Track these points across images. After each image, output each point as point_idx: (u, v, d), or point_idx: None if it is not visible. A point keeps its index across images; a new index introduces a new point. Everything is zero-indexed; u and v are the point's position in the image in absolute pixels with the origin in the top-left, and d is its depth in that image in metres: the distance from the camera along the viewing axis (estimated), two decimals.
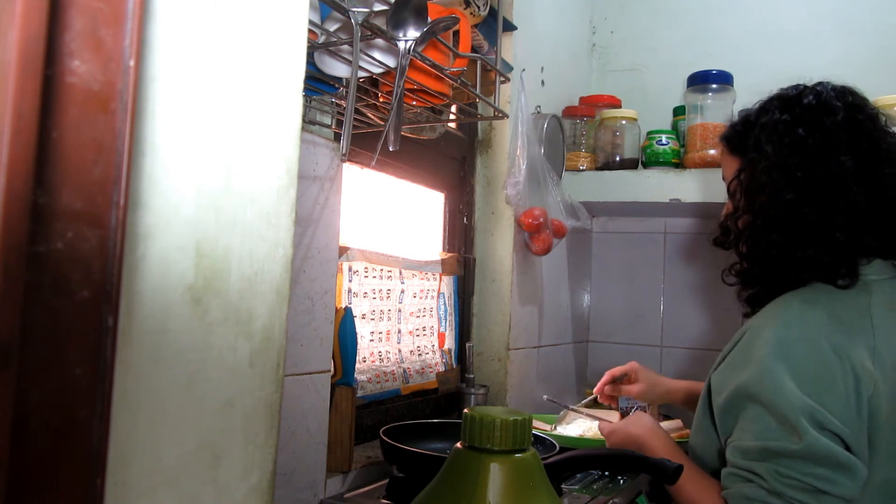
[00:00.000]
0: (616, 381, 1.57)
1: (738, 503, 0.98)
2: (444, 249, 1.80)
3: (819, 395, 0.96)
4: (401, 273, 1.57)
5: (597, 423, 1.63)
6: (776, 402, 0.96)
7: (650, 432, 1.18)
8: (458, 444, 0.57)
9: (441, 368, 1.71)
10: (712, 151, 1.99)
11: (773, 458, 0.96)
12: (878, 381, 0.97)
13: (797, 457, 0.94)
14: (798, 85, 1.16)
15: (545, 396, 1.69)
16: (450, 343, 1.77)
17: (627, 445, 1.22)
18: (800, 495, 0.94)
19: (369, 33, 0.90)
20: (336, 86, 1.03)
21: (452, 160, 1.80)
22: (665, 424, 1.53)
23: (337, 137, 1.22)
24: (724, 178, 1.23)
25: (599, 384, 1.57)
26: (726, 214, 1.18)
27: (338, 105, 1.16)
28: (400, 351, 1.58)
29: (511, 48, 1.79)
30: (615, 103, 2.24)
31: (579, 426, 1.63)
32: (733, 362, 1.06)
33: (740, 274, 1.17)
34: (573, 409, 1.63)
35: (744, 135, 1.17)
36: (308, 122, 1.16)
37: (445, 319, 1.75)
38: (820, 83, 1.14)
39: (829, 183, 1.05)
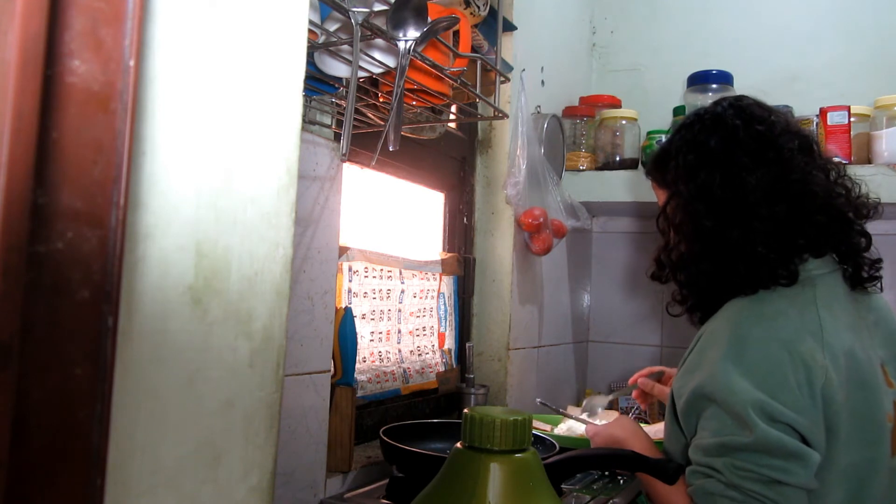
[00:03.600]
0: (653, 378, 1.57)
1: (701, 498, 1.02)
2: (444, 249, 1.80)
3: (771, 390, 0.99)
4: (401, 273, 1.57)
5: (598, 422, 1.63)
6: (728, 399, 1.00)
7: (631, 434, 1.21)
8: (458, 444, 0.57)
9: (441, 368, 1.71)
10: None
11: (728, 453, 0.99)
12: (829, 370, 1.01)
13: (750, 449, 0.98)
14: (699, 110, 1.21)
15: (538, 400, 1.69)
16: (450, 343, 1.77)
17: (609, 446, 1.25)
18: (756, 486, 0.97)
19: (369, 33, 0.90)
20: (336, 86, 1.03)
21: (452, 160, 1.80)
22: (660, 426, 1.52)
23: (337, 137, 1.22)
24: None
25: (637, 374, 1.56)
26: (659, 248, 1.22)
27: (338, 105, 1.16)
28: (400, 351, 1.58)
29: (511, 48, 1.79)
30: (615, 103, 2.24)
31: (579, 426, 1.62)
32: (690, 366, 1.09)
33: (682, 302, 1.21)
34: (563, 414, 1.63)
35: (663, 168, 1.22)
36: (308, 122, 1.16)
37: (445, 319, 1.75)
38: (718, 102, 1.20)
39: (742, 204, 1.09)
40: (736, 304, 1.10)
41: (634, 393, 1.56)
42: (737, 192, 1.09)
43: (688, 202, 1.14)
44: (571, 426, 1.64)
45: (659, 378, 1.54)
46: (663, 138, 2.06)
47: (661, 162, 1.22)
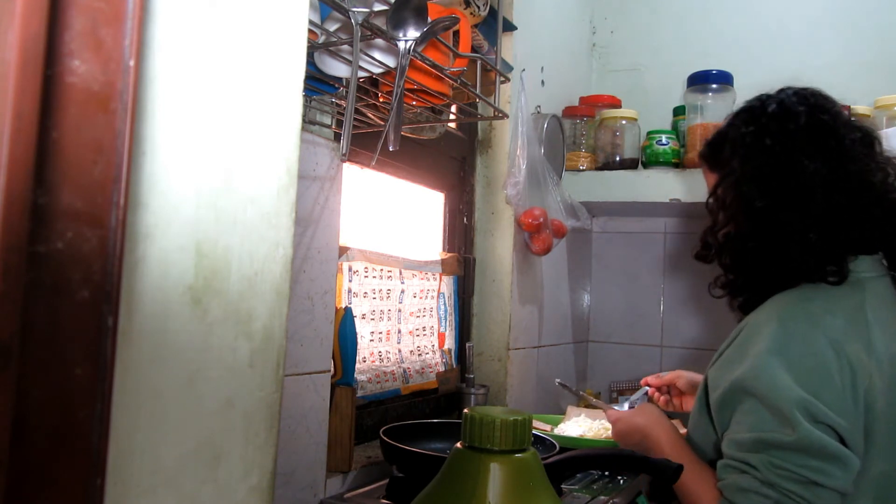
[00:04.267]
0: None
1: (732, 493, 1.00)
2: (444, 249, 1.80)
3: (815, 389, 0.97)
4: (401, 273, 1.57)
5: (597, 422, 1.63)
6: (770, 395, 0.98)
7: (655, 422, 1.19)
8: (458, 444, 0.57)
9: (441, 368, 1.71)
10: None
11: (766, 450, 0.98)
12: (873, 375, 0.99)
13: (790, 448, 0.96)
14: (762, 95, 1.19)
15: (557, 381, 1.68)
16: (450, 343, 1.77)
17: (631, 435, 1.23)
18: (793, 486, 0.96)
19: (369, 33, 0.90)
20: (336, 86, 1.03)
21: (452, 160, 1.80)
22: None
23: (337, 137, 1.22)
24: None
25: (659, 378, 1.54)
26: (705, 229, 1.21)
27: (338, 105, 1.16)
28: (400, 351, 1.58)
29: (511, 48, 1.79)
30: (615, 103, 2.24)
31: (579, 426, 1.62)
32: (730, 358, 1.07)
33: (726, 285, 1.19)
34: (582, 396, 1.63)
35: (717, 150, 1.20)
36: (308, 122, 1.16)
37: (445, 319, 1.75)
38: (783, 90, 1.17)
39: (798, 188, 1.07)
40: (782, 299, 1.08)
41: (651, 391, 1.55)
42: (794, 176, 1.07)
43: (741, 182, 1.12)
44: (582, 422, 1.63)
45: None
46: (663, 138, 2.06)
47: (716, 144, 1.20)
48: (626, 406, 1.62)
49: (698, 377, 1.46)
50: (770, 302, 1.09)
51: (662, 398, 1.54)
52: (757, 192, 1.09)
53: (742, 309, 1.18)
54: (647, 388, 1.59)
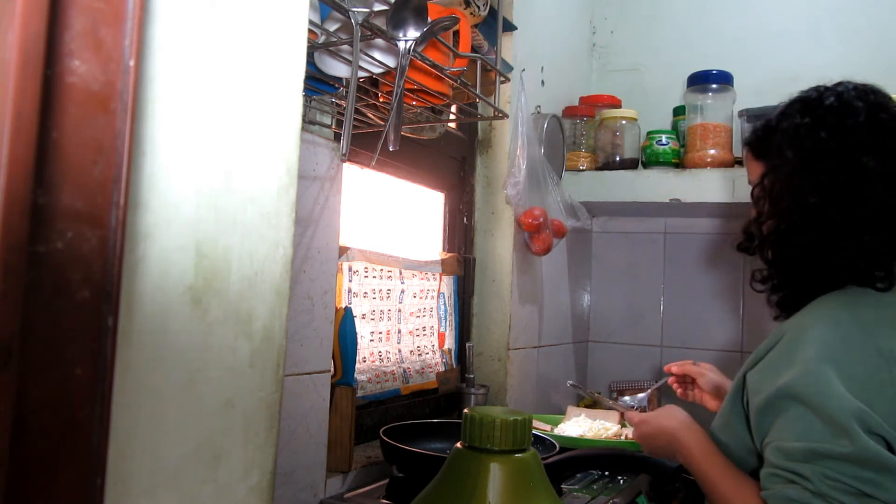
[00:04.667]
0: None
1: None
2: (444, 249, 1.80)
3: (868, 399, 0.94)
4: (401, 273, 1.57)
5: (597, 422, 1.63)
6: (824, 403, 0.94)
7: (683, 426, 1.15)
8: (458, 444, 0.57)
9: (441, 368, 1.71)
10: (712, 151, 1.99)
11: (819, 460, 0.94)
12: None
13: (846, 460, 0.92)
14: (819, 87, 1.14)
15: (570, 382, 1.68)
16: (450, 343, 1.77)
17: (656, 438, 1.19)
18: (846, 498, 0.92)
19: (369, 33, 0.90)
20: (336, 86, 1.03)
21: (452, 160, 1.80)
22: None
23: (337, 137, 1.22)
24: (749, 183, 1.22)
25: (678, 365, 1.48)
26: (750, 219, 1.17)
27: (338, 105, 1.16)
28: (400, 351, 1.58)
29: (511, 48, 1.79)
30: (615, 103, 2.24)
31: (579, 426, 1.63)
32: (773, 363, 1.03)
33: (767, 279, 1.15)
34: (596, 397, 1.61)
35: (766, 139, 1.16)
36: (308, 122, 1.16)
37: (445, 319, 1.75)
38: (841, 83, 1.13)
39: (852, 185, 1.04)
40: (829, 303, 1.04)
41: (671, 379, 1.49)
42: (848, 173, 1.04)
43: (793, 174, 1.07)
44: (582, 422, 1.63)
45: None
46: (663, 138, 2.06)
47: (766, 132, 1.16)
48: (639, 396, 1.60)
49: (723, 381, 1.42)
50: (816, 305, 1.06)
51: (680, 389, 1.49)
52: (808, 186, 1.05)
53: (780, 306, 1.14)
54: (664, 379, 1.54)
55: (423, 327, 1.67)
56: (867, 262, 1.04)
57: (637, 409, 1.60)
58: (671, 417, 1.18)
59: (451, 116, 1.43)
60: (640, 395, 1.66)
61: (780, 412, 0.99)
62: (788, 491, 0.95)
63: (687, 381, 1.48)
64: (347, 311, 1.26)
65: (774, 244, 1.11)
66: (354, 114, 1.08)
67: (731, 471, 1.07)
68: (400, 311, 1.58)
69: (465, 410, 0.56)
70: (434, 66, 1.01)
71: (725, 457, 1.09)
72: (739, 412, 1.09)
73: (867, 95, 1.09)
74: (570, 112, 2.16)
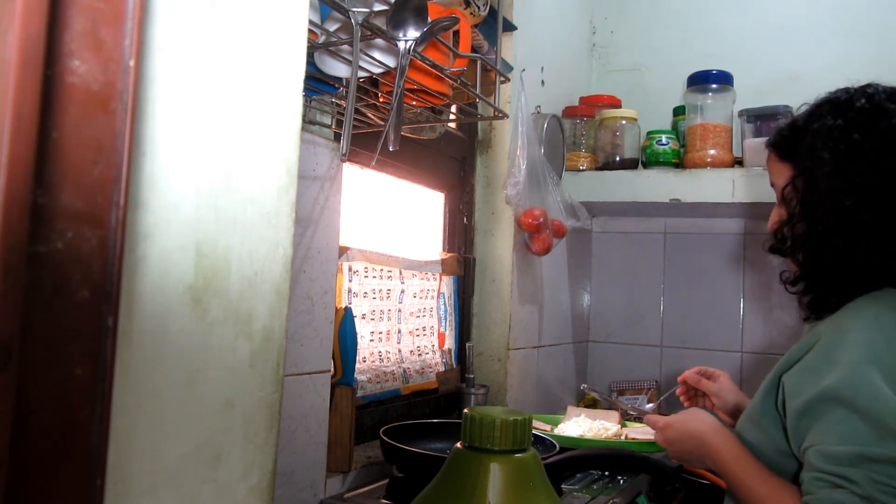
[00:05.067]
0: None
1: None
2: (444, 249, 1.80)
3: None
4: (401, 273, 1.57)
5: (597, 422, 1.63)
6: (872, 406, 0.94)
7: (713, 429, 1.13)
8: (458, 444, 0.57)
9: (441, 368, 1.71)
10: (712, 151, 1.99)
11: (866, 464, 0.93)
12: None
13: (895, 463, 0.92)
14: (847, 89, 1.14)
15: (583, 386, 1.68)
16: (450, 343, 1.77)
17: (683, 442, 1.17)
18: (893, 502, 0.91)
19: (369, 33, 0.90)
20: (336, 86, 1.03)
21: (452, 160, 1.80)
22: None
23: (337, 137, 1.22)
24: (772, 185, 1.21)
25: (687, 372, 1.46)
26: (780, 221, 1.16)
27: (338, 105, 1.16)
28: (400, 351, 1.58)
29: (511, 48, 1.79)
30: (615, 103, 2.24)
31: (579, 426, 1.63)
32: (813, 365, 1.02)
33: (797, 280, 1.15)
34: (612, 401, 1.62)
35: (793, 141, 1.15)
36: (308, 122, 1.16)
37: (445, 319, 1.75)
38: (870, 85, 1.13)
39: (887, 187, 1.04)
40: (870, 305, 1.04)
41: (679, 390, 1.48)
42: (882, 175, 1.04)
43: (830, 175, 1.07)
44: (582, 422, 1.63)
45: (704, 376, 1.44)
46: (663, 138, 2.06)
47: (793, 133, 1.16)
48: (647, 405, 1.58)
49: (740, 401, 1.39)
50: (855, 306, 1.05)
51: (688, 403, 1.46)
52: (844, 188, 1.05)
53: (811, 307, 1.13)
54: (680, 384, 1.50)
55: (423, 327, 1.67)
56: None
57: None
58: (698, 420, 1.17)
59: (451, 116, 1.43)
60: (649, 406, 1.64)
61: (821, 415, 0.98)
62: (836, 495, 0.93)
63: (698, 393, 1.46)
64: (347, 311, 1.26)
65: (808, 246, 1.11)
66: (354, 114, 1.08)
67: (768, 475, 1.05)
68: (400, 311, 1.58)
69: (465, 410, 0.56)
70: (434, 66, 1.01)
71: (759, 460, 1.08)
72: (772, 414, 1.08)
73: None
74: (570, 112, 2.16)
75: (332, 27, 0.94)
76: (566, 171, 2.11)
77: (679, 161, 2.06)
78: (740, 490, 1.06)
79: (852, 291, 1.07)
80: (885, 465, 0.92)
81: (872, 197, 1.04)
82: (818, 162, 1.09)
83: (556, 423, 1.68)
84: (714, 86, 2.03)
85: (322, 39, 0.95)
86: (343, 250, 1.32)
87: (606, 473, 1.41)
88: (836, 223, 1.06)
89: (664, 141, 2.05)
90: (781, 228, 1.15)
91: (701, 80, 2.05)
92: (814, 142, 1.10)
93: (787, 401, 1.04)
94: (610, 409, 1.64)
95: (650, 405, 1.70)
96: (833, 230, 1.06)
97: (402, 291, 1.58)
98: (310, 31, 0.68)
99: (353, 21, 0.85)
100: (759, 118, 1.99)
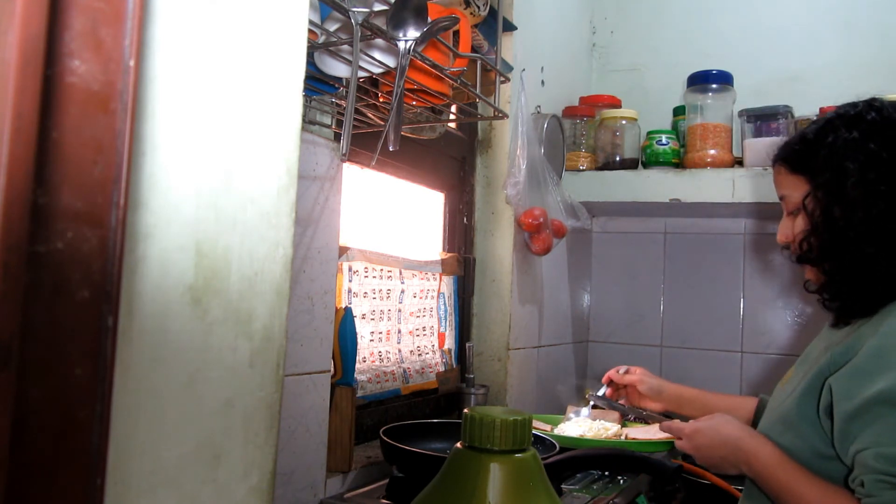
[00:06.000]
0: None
1: None
2: (444, 249, 1.80)
3: None
4: (401, 273, 1.57)
5: (597, 422, 1.63)
6: None
7: (747, 433, 1.14)
8: (458, 444, 0.57)
9: (441, 368, 1.71)
10: (712, 151, 1.99)
11: None
12: None
13: None
14: (854, 103, 1.18)
15: (589, 393, 1.69)
16: (450, 343, 1.77)
17: (717, 448, 1.17)
18: None
19: (369, 33, 0.90)
20: (336, 86, 1.03)
21: (452, 160, 1.80)
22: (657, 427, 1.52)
23: (337, 137, 1.22)
24: (781, 198, 1.23)
25: (609, 372, 1.63)
26: (804, 231, 1.17)
27: (338, 105, 1.16)
28: (400, 351, 1.58)
29: (511, 48, 1.79)
30: (615, 103, 2.24)
31: (579, 426, 1.63)
32: (864, 368, 1.03)
33: (825, 288, 1.16)
34: (624, 409, 1.64)
35: (806, 154, 1.18)
36: (308, 122, 1.16)
37: (445, 319, 1.75)
38: (875, 99, 1.17)
39: None
40: None
41: (608, 391, 1.62)
42: None
43: (854, 186, 1.09)
44: (582, 422, 1.63)
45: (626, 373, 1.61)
46: (663, 138, 2.06)
47: (805, 146, 1.18)
48: (584, 412, 1.66)
49: (660, 383, 1.56)
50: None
51: (620, 398, 1.63)
52: (871, 196, 1.08)
53: (840, 313, 1.15)
54: (604, 388, 1.66)
55: (423, 327, 1.67)
56: None
57: (637, 412, 1.62)
58: (730, 424, 1.17)
59: (451, 116, 1.43)
60: (584, 409, 1.69)
61: (878, 418, 0.99)
62: None
63: (619, 388, 1.63)
64: (347, 311, 1.26)
65: (836, 254, 1.12)
66: (354, 114, 1.08)
67: (814, 478, 1.06)
68: (400, 311, 1.58)
69: (465, 410, 0.56)
70: (434, 66, 1.01)
71: (800, 464, 1.08)
72: (811, 417, 1.08)
73: None
74: (570, 112, 2.16)
75: (332, 27, 0.94)
76: (566, 171, 2.11)
77: (679, 161, 2.06)
78: (783, 493, 1.07)
79: (882, 295, 1.09)
80: None
81: (894, 204, 1.07)
82: (842, 173, 1.11)
83: (556, 423, 1.68)
84: (714, 86, 2.03)
85: (322, 39, 0.95)
86: (343, 250, 1.32)
87: (606, 473, 1.41)
88: (867, 231, 1.08)
89: (664, 141, 2.05)
90: (807, 239, 1.16)
91: (701, 80, 2.05)
92: (832, 154, 1.13)
93: (835, 404, 1.04)
94: (620, 413, 1.66)
95: (585, 409, 1.73)
96: (864, 237, 1.09)
97: (402, 291, 1.58)
98: (310, 31, 0.68)
99: (353, 21, 0.85)
100: (759, 118, 1.99)
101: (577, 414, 1.69)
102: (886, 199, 1.08)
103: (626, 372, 1.62)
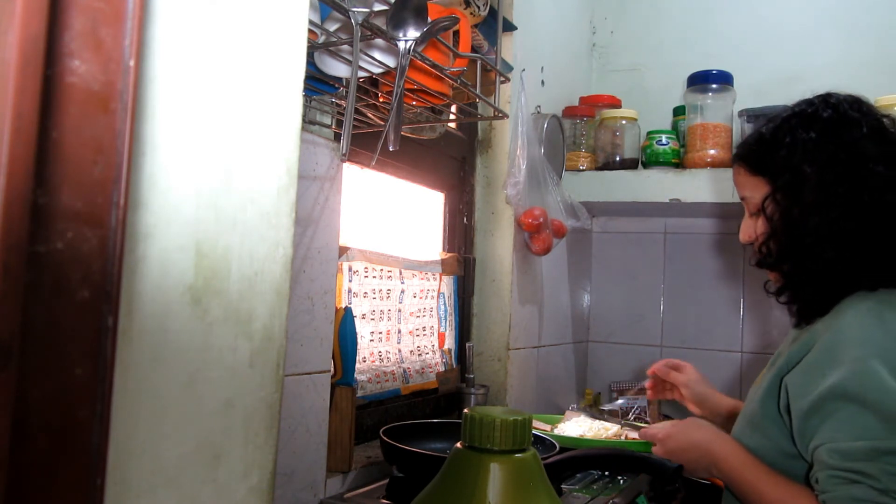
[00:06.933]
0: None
1: None
2: (444, 249, 1.80)
3: None
4: (401, 273, 1.57)
5: (597, 422, 1.63)
6: (881, 400, 0.95)
7: (716, 436, 1.14)
8: (458, 444, 0.57)
9: (441, 368, 1.71)
10: (712, 151, 1.99)
11: (882, 457, 0.94)
12: None
13: None
14: (810, 100, 1.17)
15: (606, 405, 1.68)
16: (450, 343, 1.77)
17: (687, 452, 1.17)
18: None
19: (369, 33, 0.90)
20: (336, 86, 1.03)
21: (452, 160, 1.80)
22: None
23: (337, 137, 1.22)
24: (742, 198, 1.22)
25: (655, 365, 1.51)
26: (765, 235, 1.17)
27: (338, 105, 1.16)
28: (400, 351, 1.58)
29: (511, 48, 1.79)
30: (615, 103, 2.24)
31: (579, 426, 1.63)
32: (816, 364, 1.03)
33: (784, 290, 1.16)
34: (629, 422, 1.63)
35: (764, 155, 1.17)
36: (308, 122, 1.16)
37: (445, 319, 1.75)
38: (830, 94, 1.15)
39: (869, 195, 1.06)
40: (866, 302, 1.05)
41: (648, 383, 1.52)
42: (864, 183, 1.06)
43: (814, 189, 1.09)
44: (582, 422, 1.63)
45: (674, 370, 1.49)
46: (663, 138, 2.06)
47: (764, 147, 1.17)
48: (620, 401, 1.61)
49: (706, 393, 1.43)
50: (848, 305, 1.06)
51: (651, 393, 1.52)
52: (829, 199, 1.07)
53: (801, 314, 1.15)
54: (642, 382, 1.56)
55: (423, 327, 1.67)
56: (893, 267, 1.06)
57: (637, 413, 1.62)
58: (700, 428, 1.18)
59: (451, 116, 1.43)
60: (639, 399, 1.66)
61: (830, 413, 0.99)
62: (854, 491, 0.94)
63: (666, 386, 1.50)
64: (347, 311, 1.26)
65: (795, 257, 1.12)
66: (354, 114, 1.08)
67: (779, 478, 1.06)
68: (400, 311, 1.58)
69: (465, 410, 0.56)
70: (434, 66, 1.01)
71: (767, 464, 1.08)
72: (774, 416, 1.09)
73: (859, 105, 1.12)
74: (570, 112, 2.16)
75: (332, 27, 0.94)
76: (566, 171, 2.11)
77: (679, 161, 2.06)
78: (751, 494, 1.07)
79: (839, 295, 1.08)
80: None
81: (853, 206, 1.06)
82: (800, 176, 1.11)
83: (556, 423, 1.68)
84: (714, 86, 2.03)
85: (322, 39, 0.95)
86: (343, 250, 1.32)
87: (606, 473, 1.41)
88: (827, 234, 1.08)
89: (664, 141, 2.05)
90: (766, 243, 1.16)
91: (701, 80, 2.05)
92: (790, 155, 1.12)
93: (791, 402, 1.05)
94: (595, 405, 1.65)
95: (640, 398, 1.72)
96: (824, 241, 1.08)
97: (402, 291, 1.58)
98: (310, 31, 0.68)
99: (353, 21, 0.85)
100: (759, 118, 1.99)
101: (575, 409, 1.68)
102: (845, 201, 1.07)
103: (677, 368, 1.49)
